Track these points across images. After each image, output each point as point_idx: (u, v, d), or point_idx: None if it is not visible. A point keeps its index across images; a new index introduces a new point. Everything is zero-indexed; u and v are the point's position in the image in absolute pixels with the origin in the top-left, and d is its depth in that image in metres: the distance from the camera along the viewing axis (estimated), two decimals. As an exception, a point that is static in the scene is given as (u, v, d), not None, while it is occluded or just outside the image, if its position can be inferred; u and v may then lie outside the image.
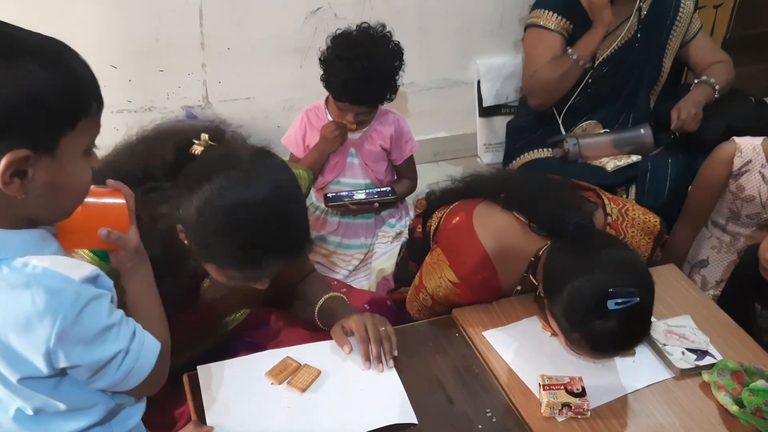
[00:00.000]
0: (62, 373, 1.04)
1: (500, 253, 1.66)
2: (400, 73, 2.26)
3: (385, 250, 2.43)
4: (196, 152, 1.36)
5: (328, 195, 2.38)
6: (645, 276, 1.46)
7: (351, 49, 2.19)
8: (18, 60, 0.90)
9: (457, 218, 1.74)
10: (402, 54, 2.25)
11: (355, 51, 2.18)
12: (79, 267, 1.01)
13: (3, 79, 0.89)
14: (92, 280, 1.02)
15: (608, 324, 1.40)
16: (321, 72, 2.24)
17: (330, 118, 2.39)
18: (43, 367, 1.00)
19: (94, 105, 0.99)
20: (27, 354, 0.98)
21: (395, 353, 1.54)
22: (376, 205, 2.39)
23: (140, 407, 1.19)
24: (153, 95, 2.63)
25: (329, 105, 2.38)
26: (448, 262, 1.70)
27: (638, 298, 1.38)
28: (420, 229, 2.00)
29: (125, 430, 1.16)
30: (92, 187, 1.09)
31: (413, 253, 2.07)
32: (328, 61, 2.24)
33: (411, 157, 2.51)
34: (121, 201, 1.14)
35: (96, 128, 1.01)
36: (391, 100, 2.32)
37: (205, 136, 1.37)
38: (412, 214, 2.51)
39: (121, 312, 1.08)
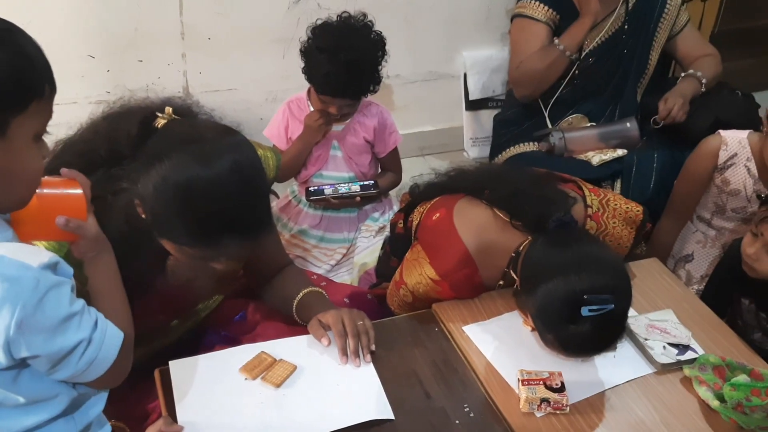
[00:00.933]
0: (22, 364, 1.01)
1: (481, 249, 1.64)
2: (383, 63, 2.23)
3: (368, 245, 2.40)
4: (159, 125, 1.32)
5: (310, 189, 2.35)
6: (622, 279, 1.43)
7: (332, 41, 2.16)
8: None
9: (438, 214, 1.71)
10: (384, 44, 2.22)
11: (336, 42, 2.15)
12: (38, 253, 0.98)
13: None
14: (52, 267, 0.99)
15: (581, 329, 1.37)
16: (303, 64, 2.21)
17: (311, 109, 2.35)
18: (1, 358, 0.97)
19: (47, 88, 0.96)
20: None
21: (373, 348, 1.52)
22: (358, 199, 2.36)
23: (102, 397, 1.16)
24: (132, 86, 2.58)
25: (311, 96, 2.35)
26: (429, 259, 1.67)
27: (613, 305, 1.35)
28: (401, 224, 1.97)
29: (87, 420, 1.14)
30: (46, 177, 1.06)
31: (394, 248, 2.05)
32: (308, 53, 2.21)
33: (395, 150, 2.48)
34: (78, 191, 1.11)
35: (48, 113, 0.99)
36: (375, 91, 2.29)
37: (169, 109, 1.33)
38: (396, 207, 2.48)
39: (82, 301, 1.05)
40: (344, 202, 2.37)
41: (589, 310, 1.34)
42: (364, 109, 2.38)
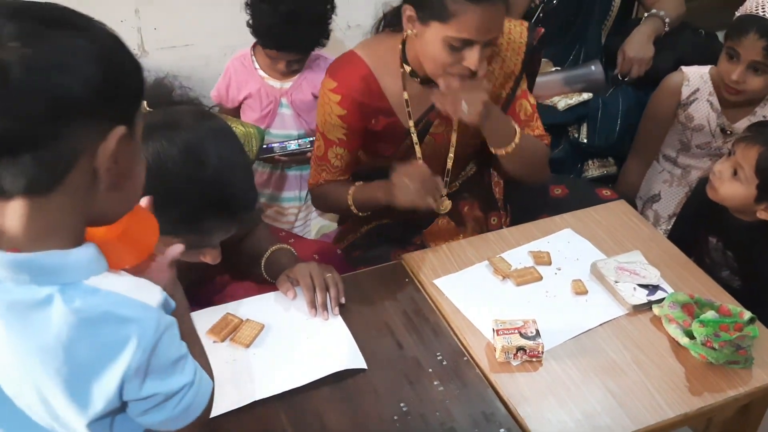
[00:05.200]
0: (118, 409, 0.91)
1: (374, 55, 1.75)
2: (333, 16, 2.17)
3: None
4: None
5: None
6: None
7: None
8: (92, 23, 0.81)
9: None
10: None
11: None
12: (152, 290, 0.88)
13: (83, 42, 0.78)
14: (164, 305, 0.89)
15: None
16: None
17: (257, 66, 2.29)
18: (114, 401, 0.87)
19: None
20: (96, 390, 0.85)
21: (342, 300, 1.51)
22: (309, 155, 2.30)
23: None
24: (84, 44, 2.49)
25: (257, 52, 2.29)
26: (329, 74, 1.76)
27: None
28: None
29: None
30: None
31: None
32: (252, 5, 2.15)
33: None
34: (152, 217, 1.00)
35: None
36: (323, 45, 2.23)
37: (143, 103, 1.29)
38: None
39: (184, 343, 0.95)
40: (294, 159, 2.31)
41: None
42: (311, 63, 2.31)
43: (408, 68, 1.72)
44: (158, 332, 0.86)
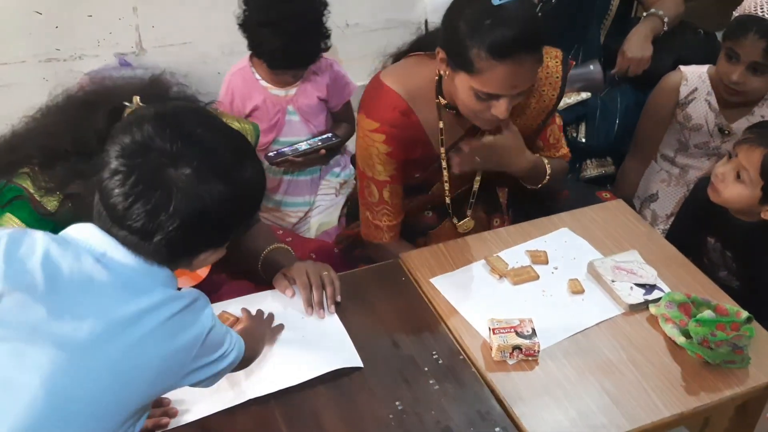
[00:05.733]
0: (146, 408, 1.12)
1: (408, 87, 1.69)
2: (326, 13, 2.16)
3: (329, 204, 2.34)
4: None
5: (270, 154, 2.25)
6: None
7: (272, 12, 2.05)
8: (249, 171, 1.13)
9: (370, 82, 1.78)
10: None
11: (276, 13, 2.04)
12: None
13: (232, 193, 1.07)
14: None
15: (503, 24, 1.45)
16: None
17: (258, 77, 2.26)
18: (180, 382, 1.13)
19: None
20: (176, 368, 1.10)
21: (338, 299, 1.51)
22: (323, 152, 2.29)
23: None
24: (83, 42, 2.49)
25: (255, 63, 2.25)
26: (365, 114, 1.70)
27: None
28: None
29: None
30: None
31: None
32: (249, 27, 2.10)
33: (349, 101, 2.42)
34: None
35: None
36: (328, 48, 2.22)
37: (136, 99, 1.27)
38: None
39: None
40: (309, 159, 2.29)
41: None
42: (313, 66, 2.28)
43: (443, 101, 1.69)
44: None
